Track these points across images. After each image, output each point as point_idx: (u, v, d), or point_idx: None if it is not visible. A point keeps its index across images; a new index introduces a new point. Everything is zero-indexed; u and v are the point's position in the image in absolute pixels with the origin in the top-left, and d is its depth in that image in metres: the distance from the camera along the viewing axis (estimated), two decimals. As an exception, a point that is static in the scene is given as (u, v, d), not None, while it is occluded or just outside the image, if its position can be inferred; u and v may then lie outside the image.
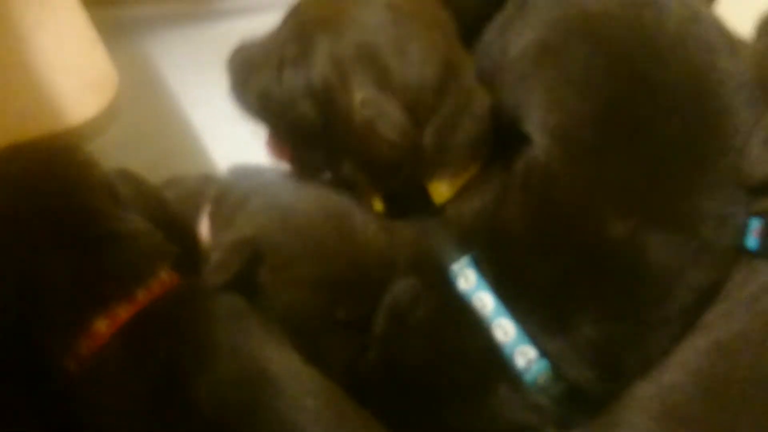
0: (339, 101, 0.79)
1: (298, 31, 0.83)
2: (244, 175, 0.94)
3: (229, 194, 0.88)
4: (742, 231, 0.74)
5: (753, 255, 0.73)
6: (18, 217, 0.72)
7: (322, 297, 0.80)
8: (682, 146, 0.73)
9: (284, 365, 0.74)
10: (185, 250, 0.81)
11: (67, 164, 0.78)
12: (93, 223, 0.74)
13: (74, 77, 0.89)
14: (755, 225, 0.74)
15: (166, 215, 0.85)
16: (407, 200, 0.86)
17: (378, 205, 0.88)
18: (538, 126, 0.78)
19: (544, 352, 0.73)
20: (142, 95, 1.14)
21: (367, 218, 0.83)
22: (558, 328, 0.73)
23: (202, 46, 1.39)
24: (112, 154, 0.92)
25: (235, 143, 1.18)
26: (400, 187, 0.85)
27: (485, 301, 0.76)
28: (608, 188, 0.74)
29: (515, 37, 0.84)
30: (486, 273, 0.77)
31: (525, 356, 0.74)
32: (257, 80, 0.86)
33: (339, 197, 0.84)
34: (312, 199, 0.84)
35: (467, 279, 0.78)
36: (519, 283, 0.75)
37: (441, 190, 0.83)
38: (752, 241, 0.73)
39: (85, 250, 0.72)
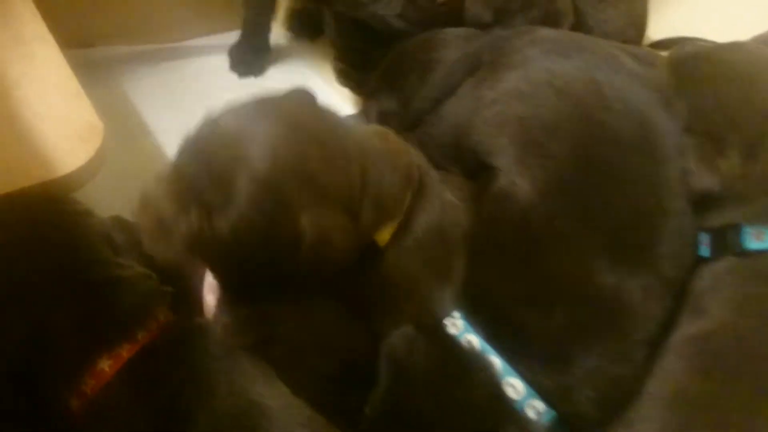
0: (282, 230, 0.79)
1: (210, 177, 0.79)
2: None
3: None
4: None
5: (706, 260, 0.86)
6: (21, 267, 0.76)
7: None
8: (645, 190, 0.86)
9: (275, 398, 0.79)
10: (177, 289, 0.86)
11: (65, 214, 0.83)
12: (94, 270, 0.78)
13: (61, 127, 0.93)
14: (705, 239, 0.87)
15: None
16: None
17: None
18: (512, 162, 0.89)
19: (545, 394, 0.80)
20: (120, 135, 1.17)
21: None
22: (556, 371, 0.80)
23: (178, 83, 1.45)
24: (93, 196, 0.96)
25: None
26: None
27: (473, 343, 0.83)
28: (593, 234, 0.84)
29: (487, 91, 0.97)
30: (480, 331, 0.83)
31: (535, 409, 0.80)
32: (181, 235, 0.79)
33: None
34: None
35: (456, 325, 0.84)
36: (516, 336, 0.82)
37: (383, 236, 0.88)
38: (705, 250, 0.87)
39: (88, 296, 0.77)
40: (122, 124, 1.34)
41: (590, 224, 0.84)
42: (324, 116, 0.86)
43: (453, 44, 1.13)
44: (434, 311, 0.85)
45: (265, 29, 1.50)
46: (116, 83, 1.42)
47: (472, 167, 0.97)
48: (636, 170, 0.86)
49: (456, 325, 0.84)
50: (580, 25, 1.25)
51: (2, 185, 0.85)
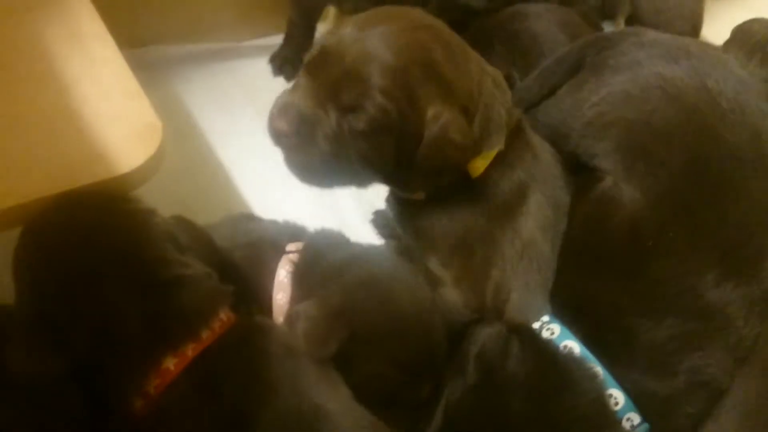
0: (409, 121, 0.85)
1: (344, 77, 0.85)
2: (330, 241, 0.97)
3: (319, 260, 0.92)
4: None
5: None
6: (89, 265, 0.76)
7: (400, 375, 0.86)
8: (757, 205, 0.85)
9: (338, 401, 0.79)
10: (238, 287, 0.85)
11: (129, 212, 0.82)
12: (160, 269, 0.78)
13: (121, 126, 0.92)
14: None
15: (218, 257, 0.89)
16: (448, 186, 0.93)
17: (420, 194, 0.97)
18: (619, 166, 0.89)
19: (643, 406, 0.80)
20: (173, 135, 1.17)
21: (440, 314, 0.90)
22: (659, 382, 0.80)
23: (229, 84, 1.46)
24: (147, 196, 0.95)
25: (264, 180, 1.26)
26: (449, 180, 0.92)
27: (573, 350, 0.82)
28: (705, 247, 0.83)
29: (589, 93, 0.96)
30: (580, 337, 0.83)
31: (630, 422, 0.80)
32: (323, 132, 0.87)
33: (427, 290, 0.90)
34: (406, 288, 0.89)
35: (551, 329, 0.85)
36: (621, 344, 0.82)
37: (477, 165, 0.93)
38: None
39: (154, 294, 0.77)
40: (175, 124, 1.32)
41: (703, 237, 0.83)
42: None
43: (539, 16, 1.18)
44: (528, 312, 0.85)
45: (311, 33, 1.49)
46: (169, 83, 1.43)
47: (570, 169, 0.97)
48: (750, 184, 0.85)
49: (552, 329, 0.82)
50: (632, 16, 1.25)
51: (64, 183, 0.84)
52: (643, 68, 0.94)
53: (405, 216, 1.01)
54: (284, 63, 1.49)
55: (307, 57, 0.91)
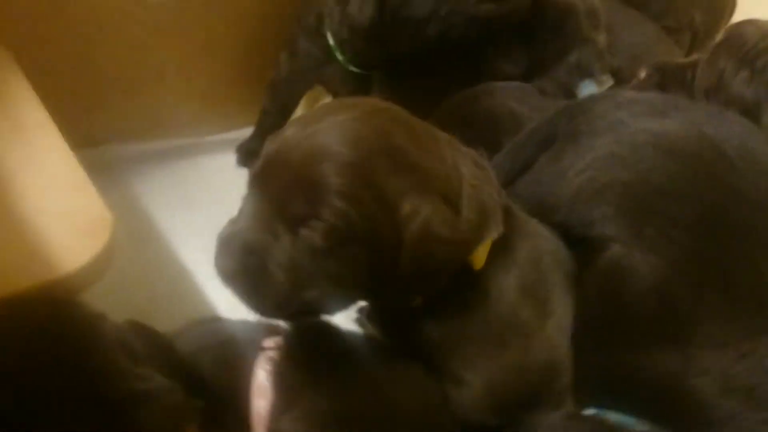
0: (380, 224, 0.70)
1: (291, 186, 0.71)
2: (315, 331, 0.85)
3: (304, 355, 0.80)
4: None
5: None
6: (28, 384, 0.62)
7: None
8: None
9: None
10: (208, 402, 0.71)
11: (74, 319, 0.69)
12: (113, 384, 0.64)
13: (64, 221, 0.81)
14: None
15: (183, 367, 0.76)
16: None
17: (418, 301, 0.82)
18: (625, 232, 0.80)
19: None
20: (130, 236, 1.07)
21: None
22: None
23: (193, 181, 1.38)
24: (100, 301, 0.83)
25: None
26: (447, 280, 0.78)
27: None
28: (742, 300, 0.74)
29: (571, 162, 0.88)
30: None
31: None
32: (275, 261, 0.72)
33: (435, 387, 0.80)
34: (409, 387, 0.79)
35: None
36: (683, 414, 0.73)
37: (479, 256, 0.78)
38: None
39: (105, 413, 0.62)
40: (133, 227, 1.26)
41: (738, 290, 0.74)
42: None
43: (505, 94, 1.10)
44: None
45: (284, 124, 1.40)
46: (127, 184, 1.34)
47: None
48: None
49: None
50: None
51: (-1, 285, 0.73)
52: (627, 127, 0.87)
53: (400, 330, 0.85)
54: (250, 155, 1.39)
55: (251, 172, 0.75)
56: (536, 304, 0.80)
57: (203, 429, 0.69)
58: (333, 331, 0.87)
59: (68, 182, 0.86)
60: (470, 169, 0.77)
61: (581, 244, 0.84)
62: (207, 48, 1.37)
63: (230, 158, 1.45)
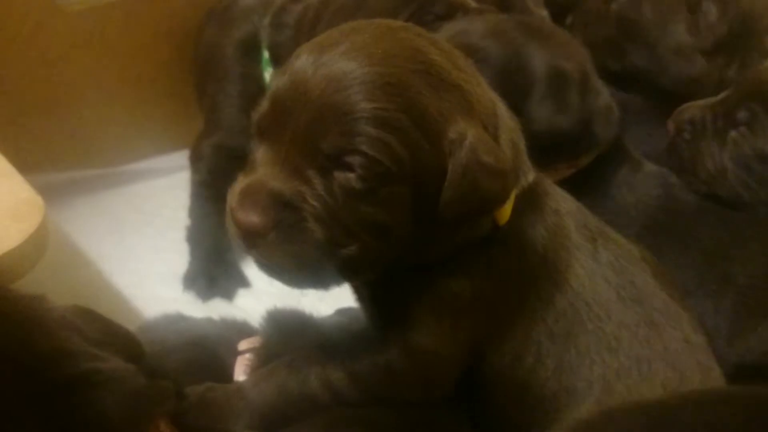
0: (423, 153, 0.61)
1: (315, 121, 0.61)
2: (290, 324, 0.78)
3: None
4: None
5: None
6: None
7: None
8: None
9: None
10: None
11: (10, 300, 0.58)
12: (59, 363, 0.53)
13: (-10, 206, 0.72)
14: None
15: (147, 359, 0.64)
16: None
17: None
18: None
19: None
20: (61, 268, 1.02)
21: None
22: None
23: (124, 208, 1.30)
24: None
25: (158, 301, 1.09)
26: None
27: None
28: None
29: None
30: None
31: None
32: (313, 212, 0.61)
33: None
34: None
35: None
36: None
37: (505, 209, 0.69)
38: None
39: (56, 394, 0.51)
40: (62, 257, 1.14)
41: None
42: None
43: None
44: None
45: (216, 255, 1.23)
46: (54, 214, 1.19)
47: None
48: None
49: None
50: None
51: None
52: None
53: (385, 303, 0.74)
54: (196, 278, 1.21)
55: (256, 117, 0.65)
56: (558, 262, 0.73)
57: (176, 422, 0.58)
58: (306, 318, 0.78)
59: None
60: (501, 106, 0.70)
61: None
62: (131, 63, 1.27)
63: (158, 182, 1.35)
